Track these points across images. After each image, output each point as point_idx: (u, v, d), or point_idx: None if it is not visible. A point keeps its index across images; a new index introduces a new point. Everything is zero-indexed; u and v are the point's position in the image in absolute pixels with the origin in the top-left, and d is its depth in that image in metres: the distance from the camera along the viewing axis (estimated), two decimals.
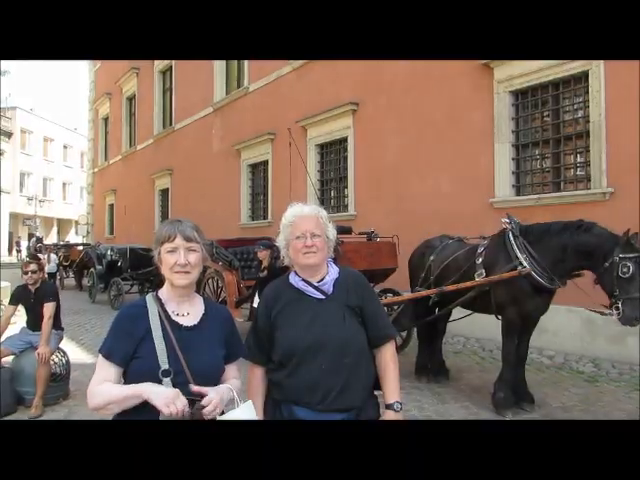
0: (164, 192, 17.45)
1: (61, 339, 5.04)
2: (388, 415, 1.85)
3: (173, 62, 16.46)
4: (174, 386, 1.55)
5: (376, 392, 1.94)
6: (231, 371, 1.79)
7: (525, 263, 4.09)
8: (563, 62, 6.49)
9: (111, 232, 21.77)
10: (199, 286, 9.97)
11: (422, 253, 5.34)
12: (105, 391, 1.57)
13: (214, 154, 14.21)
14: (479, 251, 4.53)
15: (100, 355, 1.65)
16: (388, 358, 1.91)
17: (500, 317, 4.39)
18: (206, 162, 14.49)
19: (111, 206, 21.97)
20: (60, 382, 4.94)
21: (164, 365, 1.57)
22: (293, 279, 1.92)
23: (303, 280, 1.89)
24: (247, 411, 1.64)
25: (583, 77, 6.52)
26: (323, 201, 10.85)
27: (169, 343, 1.61)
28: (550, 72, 6.73)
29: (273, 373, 1.88)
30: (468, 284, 4.44)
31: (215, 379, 1.70)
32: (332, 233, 1.94)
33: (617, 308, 3.75)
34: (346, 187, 10.13)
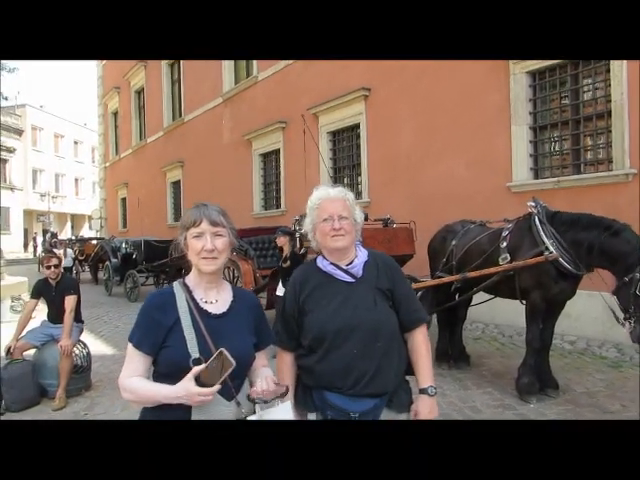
0: (176, 184, 17.47)
1: (82, 331, 5.07)
2: (422, 400, 1.81)
3: None
4: None
5: (407, 377, 1.90)
6: (261, 359, 1.76)
7: (552, 248, 3.99)
8: None
9: (124, 225, 21.88)
10: None
11: (443, 238, 5.26)
12: (137, 388, 1.55)
13: (225, 145, 14.17)
14: (503, 235, 4.44)
15: (130, 345, 1.61)
16: (420, 342, 1.86)
17: (524, 302, 4.31)
18: (217, 153, 14.46)
19: (123, 200, 22.06)
20: (82, 374, 4.97)
21: (194, 354, 1.54)
22: (321, 263, 1.88)
23: (332, 264, 1.85)
24: (284, 412, 1.59)
25: None
26: None
27: (198, 331, 1.57)
28: None
29: (303, 359, 1.84)
30: (492, 270, 4.35)
31: (246, 367, 1.66)
32: (359, 216, 1.90)
33: (630, 324, 3.69)
34: (359, 174, 10.04)
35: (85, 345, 5.12)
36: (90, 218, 26.64)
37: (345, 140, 10.53)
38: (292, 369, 1.89)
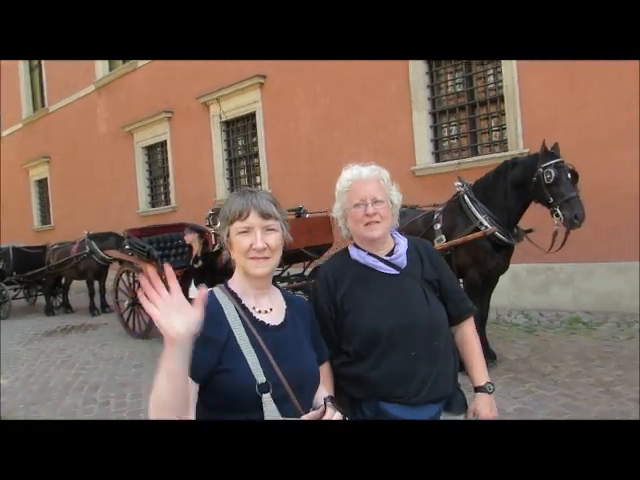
0: (41, 182, 15.70)
1: None
2: (481, 398, 1.65)
3: None
4: (275, 402, 1.25)
5: None
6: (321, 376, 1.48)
7: (486, 223, 4.15)
8: None
9: None
10: (98, 283, 9.04)
11: None
12: None
13: (101, 137, 12.98)
14: (436, 217, 4.52)
15: None
16: (471, 335, 1.70)
17: (462, 280, 4.43)
18: (92, 146, 13.20)
19: None
20: None
21: (260, 378, 1.24)
22: (357, 254, 1.65)
23: (370, 254, 1.63)
24: None
25: None
26: (232, 181, 10.41)
27: (258, 349, 1.27)
28: None
29: (348, 367, 1.59)
30: None
31: (314, 390, 1.39)
32: (397, 197, 1.68)
33: (557, 215, 3.92)
34: (257, 165, 9.75)
35: None
36: None
37: (240, 130, 10.14)
38: (330, 380, 1.62)
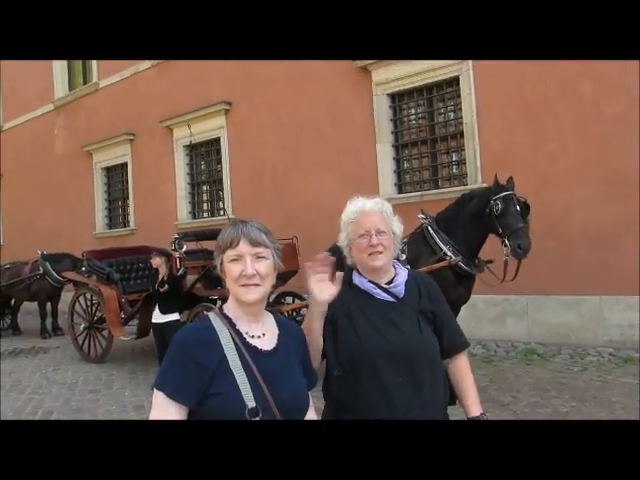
0: None
1: None
2: None
3: None
4: None
5: None
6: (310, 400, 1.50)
7: (450, 253, 4.27)
8: (436, 67, 6.98)
9: None
10: (50, 305, 8.64)
11: (340, 257, 5.27)
12: None
13: (57, 157, 12.65)
14: (401, 248, 4.62)
15: (160, 394, 1.27)
16: (465, 367, 1.76)
17: None
18: (47, 166, 12.82)
19: None
20: None
21: (250, 403, 1.26)
22: (358, 280, 1.72)
23: (370, 281, 1.69)
24: None
25: (454, 81, 7.07)
26: (195, 205, 10.33)
27: (250, 373, 1.29)
28: (424, 76, 7.18)
29: (334, 387, 1.65)
30: None
31: (302, 415, 1.41)
32: (398, 228, 1.76)
33: (505, 245, 4.09)
34: (221, 190, 9.72)
35: None
36: None
37: (204, 154, 10.12)
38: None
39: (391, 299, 1.69)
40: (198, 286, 6.02)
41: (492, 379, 5.08)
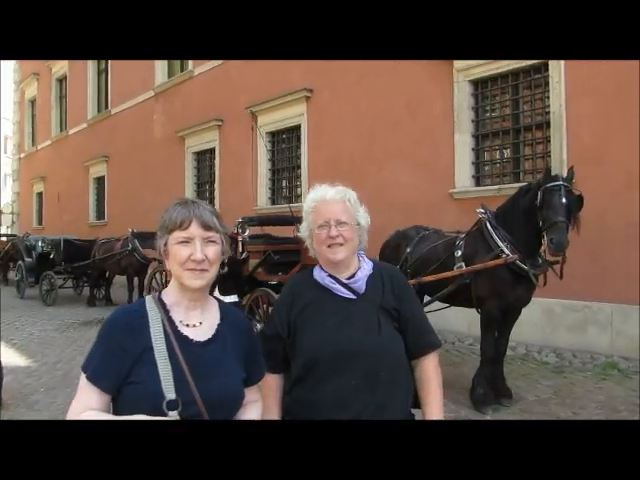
0: (99, 180, 16.42)
1: None
2: None
3: None
4: None
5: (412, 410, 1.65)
6: (251, 394, 1.43)
7: (507, 251, 3.96)
8: None
9: (39, 222, 20.32)
10: (137, 280, 9.33)
11: (397, 244, 5.10)
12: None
13: (156, 141, 13.44)
14: (457, 243, 4.37)
15: (83, 376, 1.26)
16: (431, 371, 1.60)
17: (480, 310, 4.24)
18: (146, 149, 13.69)
19: (39, 194, 20.49)
20: None
21: (170, 394, 1.21)
22: (318, 274, 1.61)
23: (330, 276, 1.58)
24: None
25: (542, 67, 6.51)
26: (274, 191, 10.51)
27: (176, 364, 1.24)
28: (510, 62, 6.68)
29: (292, 388, 1.57)
30: (449, 274, 4.26)
31: (234, 410, 1.34)
32: (364, 219, 1.62)
33: (547, 240, 3.71)
34: (299, 176, 9.80)
35: None
36: (1, 212, 24.38)
37: (285, 141, 10.25)
38: (277, 395, 1.61)
39: (351, 295, 1.56)
40: (259, 271, 6.09)
41: (557, 391, 4.65)
